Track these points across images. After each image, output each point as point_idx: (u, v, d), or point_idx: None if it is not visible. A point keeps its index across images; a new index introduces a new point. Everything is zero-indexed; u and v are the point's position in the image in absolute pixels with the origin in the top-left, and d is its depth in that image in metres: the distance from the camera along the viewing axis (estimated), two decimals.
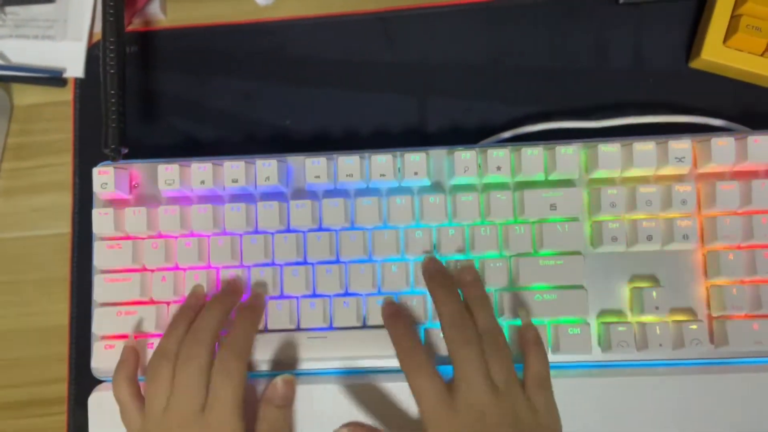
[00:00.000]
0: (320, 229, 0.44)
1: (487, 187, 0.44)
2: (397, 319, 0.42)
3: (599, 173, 0.43)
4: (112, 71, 0.46)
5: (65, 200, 0.51)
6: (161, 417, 0.39)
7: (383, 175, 0.44)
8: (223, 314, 0.42)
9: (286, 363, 0.43)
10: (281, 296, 0.44)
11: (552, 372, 0.41)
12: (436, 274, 0.42)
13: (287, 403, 0.42)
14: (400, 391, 0.42)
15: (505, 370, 0.38)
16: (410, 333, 0.41)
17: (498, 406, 0.37)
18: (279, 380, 0.42)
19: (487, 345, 0.38)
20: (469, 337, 0.38)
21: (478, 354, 0.38)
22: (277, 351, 0.43)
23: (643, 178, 0.43)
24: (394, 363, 0.40)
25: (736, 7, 0.46)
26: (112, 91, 0.46)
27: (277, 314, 0.43)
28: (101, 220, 0.44)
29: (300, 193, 0.45)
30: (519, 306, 0.42)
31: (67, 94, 0.52)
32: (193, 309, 0.42)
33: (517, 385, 0.38)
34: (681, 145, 0.42)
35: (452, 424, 0.36)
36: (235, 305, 0.43)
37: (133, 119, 0.50)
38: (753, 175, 0.43)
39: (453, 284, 0.41)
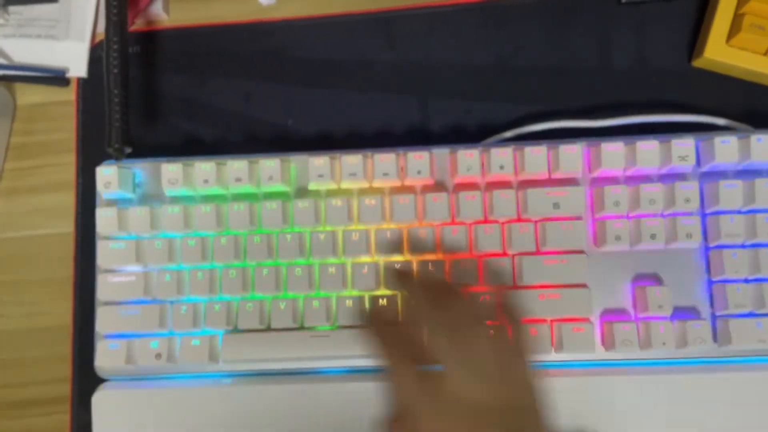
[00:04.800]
0: (323, 228, 0.44)
1: (490, 186, 0.44)
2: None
3: (602, 172, 0.43)
4: (115, 71, 0.46)
5: (68, 199, 0.51)
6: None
7: (386, 174, 0.44)
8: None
9: (289, 362, 0.43)
10: (284, 295, 0.44)
11: (555, 370, 0.40)
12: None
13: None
14: None
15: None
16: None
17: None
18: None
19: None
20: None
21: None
22: (280, 350, 0.43)
23: (646, 177, 0.43)
24: None
25: (739, 6, 0.46)
26: (116, 91, 0.46)
27: (280, 313, 0.43)
28: (104, 220, 0.44)
29: (303, 192, 0.45)
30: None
31: (70, 94, 0.52)
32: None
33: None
34: (684, 144, 0.42)
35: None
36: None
37: (136, 119, 0.50)
38: (756, 173, 0.43)
39: None
